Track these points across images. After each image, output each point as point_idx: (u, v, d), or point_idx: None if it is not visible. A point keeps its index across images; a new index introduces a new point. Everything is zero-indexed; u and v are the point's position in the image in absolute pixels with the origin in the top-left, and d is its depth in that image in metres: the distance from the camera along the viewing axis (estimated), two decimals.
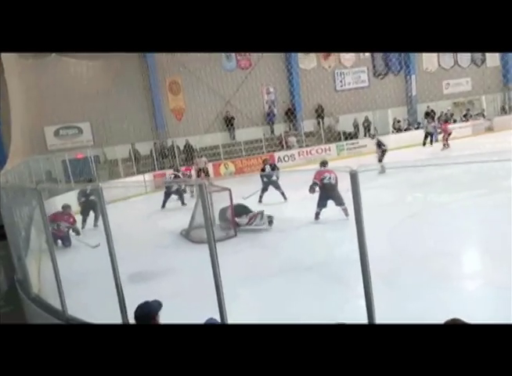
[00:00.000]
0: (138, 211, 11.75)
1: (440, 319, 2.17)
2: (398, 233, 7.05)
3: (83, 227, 9.97)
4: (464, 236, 6.50)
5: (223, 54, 19.21)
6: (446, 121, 19.87)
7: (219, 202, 8.50)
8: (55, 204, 9.74)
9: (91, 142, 18.16)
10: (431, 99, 20.95)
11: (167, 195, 12.29)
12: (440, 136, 18.56)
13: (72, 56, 16.18)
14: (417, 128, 21.05)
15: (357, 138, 20.24)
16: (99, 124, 17.64)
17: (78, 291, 5.18)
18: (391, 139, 16.81)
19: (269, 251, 7.35)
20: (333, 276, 5.57)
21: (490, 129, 21.34)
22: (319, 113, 20.99)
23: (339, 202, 8.27)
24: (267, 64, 19.58)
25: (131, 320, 3.14)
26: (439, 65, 22.73)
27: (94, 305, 4.80)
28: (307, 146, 19.58)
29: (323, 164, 9.41)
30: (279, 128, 20.48)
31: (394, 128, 21.19)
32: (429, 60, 22.39)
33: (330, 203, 8.45)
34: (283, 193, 10.98)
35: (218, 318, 3.12)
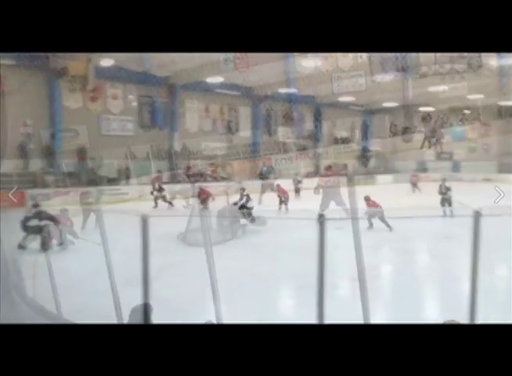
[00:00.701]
0: None
1: None
2: None
3: None
4: None
5: None
6: (441, 126, 19.94)
7: None
8: None
9: None
10: (427, 104, 20.91)
11: None
12: (434, 140, 18.72)
13: None
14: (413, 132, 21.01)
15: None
16: None
17: (73, 295, 5.13)
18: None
19: (265, 255, 7.31)
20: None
21: None
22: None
23: None
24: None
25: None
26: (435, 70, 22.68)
27: (89, 308, 4.75)
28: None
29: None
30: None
31: (391, 132, 21.19)
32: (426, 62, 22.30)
33: None
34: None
35: (214, 321, 3.11)
